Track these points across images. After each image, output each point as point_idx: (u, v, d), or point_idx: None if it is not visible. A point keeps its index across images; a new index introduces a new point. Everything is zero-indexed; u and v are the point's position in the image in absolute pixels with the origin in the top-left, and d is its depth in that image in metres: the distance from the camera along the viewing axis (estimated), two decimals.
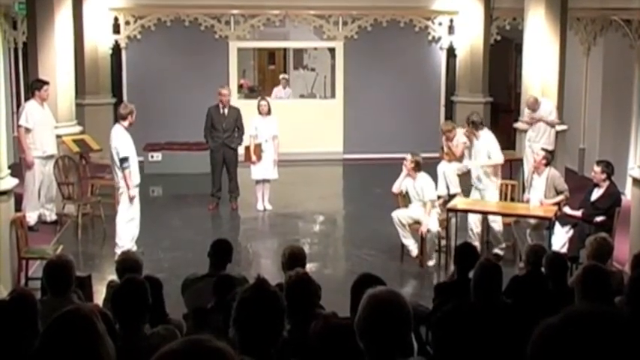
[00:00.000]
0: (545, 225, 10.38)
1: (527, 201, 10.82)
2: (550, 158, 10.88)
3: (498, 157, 11.02)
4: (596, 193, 10.13)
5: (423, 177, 10.69)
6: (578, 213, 10.09)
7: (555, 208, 10.23)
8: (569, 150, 14.48)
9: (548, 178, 10.57)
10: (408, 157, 10.73)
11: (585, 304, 1.83)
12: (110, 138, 10.70)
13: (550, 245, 9.80)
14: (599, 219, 9.92)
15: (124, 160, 10.47)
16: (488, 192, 11.03)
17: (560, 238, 10.02)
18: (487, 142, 10.99)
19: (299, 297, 5.00)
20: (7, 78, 13.27)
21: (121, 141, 10.51)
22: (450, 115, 17.47)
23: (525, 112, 13.43)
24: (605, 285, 5.43)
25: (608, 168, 10.15)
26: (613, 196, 10.07)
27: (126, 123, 10.59)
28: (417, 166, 10.66)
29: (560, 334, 1.97)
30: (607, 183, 10.09)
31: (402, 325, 3.24)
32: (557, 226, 10.10)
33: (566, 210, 10.30)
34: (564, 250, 9.74)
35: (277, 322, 3.45)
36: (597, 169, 10.18)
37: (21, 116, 12.05)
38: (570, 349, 1.94)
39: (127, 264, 6.53)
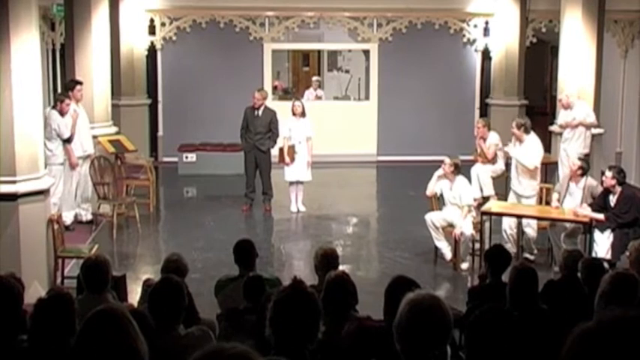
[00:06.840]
0: (580, 231, 10.22)
1: (557, 208, 10.46)
2: (586, 168, 10.48)
3: (530, 162, 10.73)
4: (612, 200, 9.88)
5: (461, 181, 10.60)
6: (601, 216, 9.85)
7: (589, 217, 9.93)
8: (606, 154, 14.31)
9: (585, 188, 10.28)
10: (447, 160, 10.59)
11: (617, 309, 1.81)
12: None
13: (590, 251, 9.66)
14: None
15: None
16: (529, 200, 10.86)
17: (603, 245, 9.80)
18: (529, 147, 10.83)
19: (337, 296, 5.01)
20: (44, 79, 13.39)
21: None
22: None
23: (561, 114, 13.19)
24: (633, 294, 5.34)
25: (620, 175, 9.84)
26: (628, 198, 9.84)
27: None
28: (456, 169, 10.57)
29: (596, 338, 1.96)
30: (619, 188, 9.86)
31: (442, 331, 3.23)
32: (597, 232, 9.89)
33: (587, 212, 9.99)
34: (609, 256, 9.56)
35: (313, 323, 3.45)
36: (608, 174, 9.85)
37: None
38: (606, 353, 1.93)
39: (174, 266, 6.54)
